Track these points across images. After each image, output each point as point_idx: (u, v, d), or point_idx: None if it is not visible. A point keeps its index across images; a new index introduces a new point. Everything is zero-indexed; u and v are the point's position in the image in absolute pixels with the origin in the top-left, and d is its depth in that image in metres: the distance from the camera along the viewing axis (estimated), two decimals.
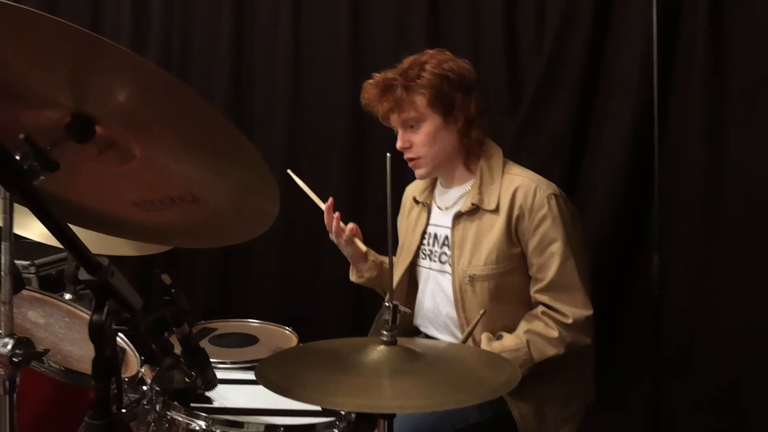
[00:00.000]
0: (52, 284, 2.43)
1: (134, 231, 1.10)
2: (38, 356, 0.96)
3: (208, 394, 1.43)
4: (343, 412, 1.39)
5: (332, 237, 1.78)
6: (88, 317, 0.86)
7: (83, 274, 0.85)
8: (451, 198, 1.72)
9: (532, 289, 1.62)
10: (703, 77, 2.04)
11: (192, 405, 1.37)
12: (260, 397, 1.46)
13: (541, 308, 1.61)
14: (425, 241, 1.76)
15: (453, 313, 1.67)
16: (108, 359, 0.84)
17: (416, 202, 1.82)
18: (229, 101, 2.72)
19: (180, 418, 1.36)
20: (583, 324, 1.58)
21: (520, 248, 1.61)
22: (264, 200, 0.95)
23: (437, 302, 1.73)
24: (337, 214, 1.74)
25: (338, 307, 2.59)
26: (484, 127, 1.67)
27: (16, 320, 0.98)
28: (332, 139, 2.58)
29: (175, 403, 1.37)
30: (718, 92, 2.03)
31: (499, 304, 1.61)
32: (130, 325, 0.86)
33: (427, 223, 1.76)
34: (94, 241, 1.05)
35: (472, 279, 1.61)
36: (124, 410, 1.45)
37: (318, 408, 1.40)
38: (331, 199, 1.75)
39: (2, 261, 0.94)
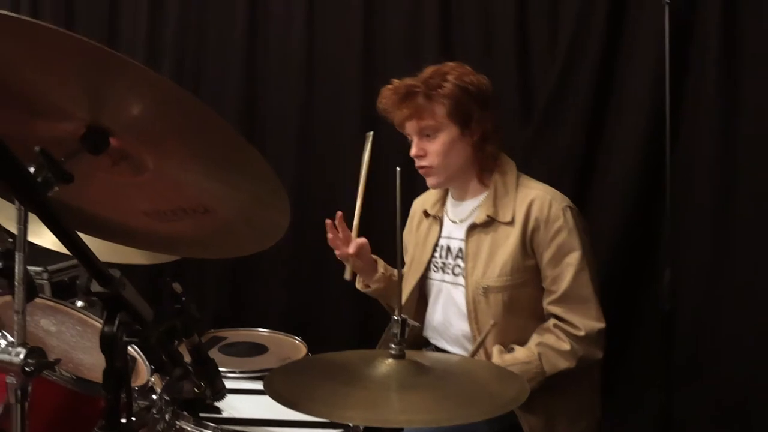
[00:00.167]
0: (64, 291, 2.44)
1: (146, 241, 1.11)
2: (50, 366, 0.96)
3: (217, 404, 1.43)
4: (351, 425, 1.38)
5: (335, 247, 1.77)
6: (99, 325, 0.86)
7: (95, 286, 0.85)
8: (465, 210, 1.72)
9: (545, 301, 1.61)
10: (716, 85, 2.03)
11: (201, 415, 1.37)
12: (269, 407, 1.45)
13: (552, 321, 1.60)
14: (437, 254, 1.76)
15: (464, 326, 1.66)
16: (119, 371, 0.84)
17: (426, 215, 1.81)
18: (240, 106, 2.72)
19: (189, 428, 1.37)
20: (596, 337, 1.58)
21: (534, 260, 1.60)
22: (275, 213, 0.95)
23: (448, 315, 1.72)
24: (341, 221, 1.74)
25: (347, 317, 2.59)
26: (499, 143, 1.68)
27: (28, 328, 0.98)
28: (342, 141, 2.57)
29: (185, 412, 1.37)
30: (730, 100, 2.02)
31: (512, 316, 1.60)
32: (141, 336, 0.87)
33: (439, 236, 1.76)
34: (105, 250, 1.06)
35: (486, 290, 1.60)
36: (133, 418, 1.46)
37: (326, 420, 1.39)
38: (339, 213, 1.74)
39: (16, 270, 0.95)
